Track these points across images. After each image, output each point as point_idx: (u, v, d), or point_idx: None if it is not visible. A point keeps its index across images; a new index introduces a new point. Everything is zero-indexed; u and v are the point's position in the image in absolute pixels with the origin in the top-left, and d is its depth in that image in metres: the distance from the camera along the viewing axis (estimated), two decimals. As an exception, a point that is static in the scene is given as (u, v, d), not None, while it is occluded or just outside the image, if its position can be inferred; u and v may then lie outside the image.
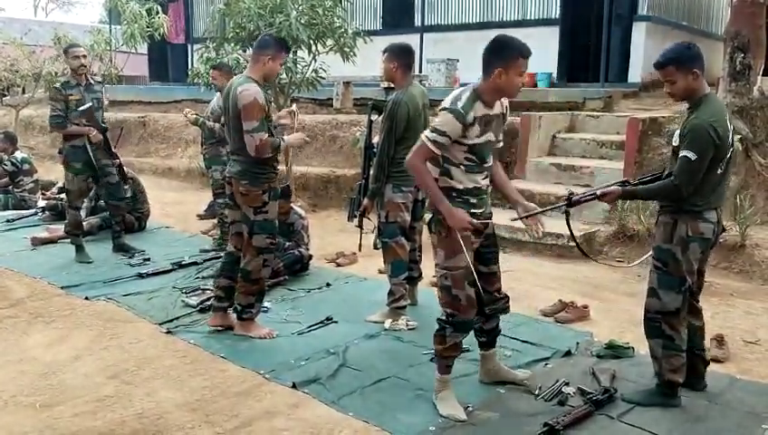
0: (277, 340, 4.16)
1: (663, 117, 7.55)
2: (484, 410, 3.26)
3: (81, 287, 5.15)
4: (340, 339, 4.13)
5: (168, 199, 8.92)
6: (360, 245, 4.95)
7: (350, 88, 9.97)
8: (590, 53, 10.87)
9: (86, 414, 3.21)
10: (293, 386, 3.49)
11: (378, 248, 4.58)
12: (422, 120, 4.32)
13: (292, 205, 5.77)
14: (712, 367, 3.59)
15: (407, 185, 4.31)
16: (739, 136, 5.75)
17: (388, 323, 4.38)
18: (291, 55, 7.00)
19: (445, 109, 3.02)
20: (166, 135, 11.91)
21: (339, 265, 5.93)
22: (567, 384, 3.46)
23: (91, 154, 5.89)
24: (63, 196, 6.84)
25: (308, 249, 5.68)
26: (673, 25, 10.59)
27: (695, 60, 3.11)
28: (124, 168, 6.28)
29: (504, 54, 2.98)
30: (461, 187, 3.10)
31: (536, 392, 3.41)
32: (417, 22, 11.83)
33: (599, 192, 3.29)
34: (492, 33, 3.17)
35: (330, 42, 7.52)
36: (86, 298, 4.90)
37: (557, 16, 10.63)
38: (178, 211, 8.31)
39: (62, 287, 5.15)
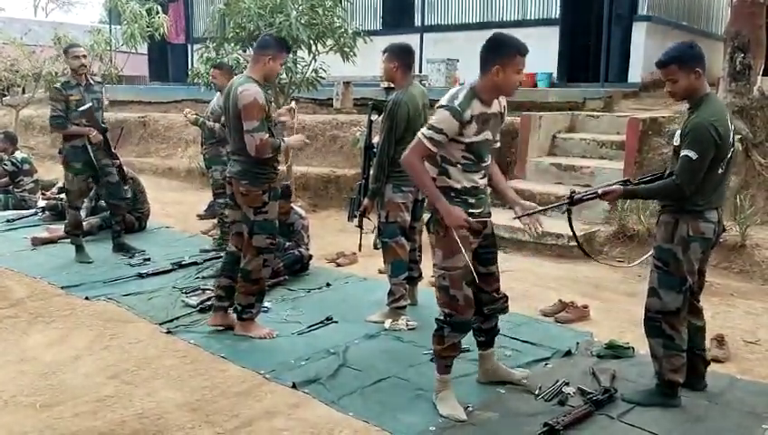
0: (277, 340, 4.16)
1: (663, 117, 7.55)
2: (484, 410, 3.26)
3: (81, 287, 5.16)
4: (341, 339, 4.13)
5: (168, 199, 8.92)
6: (360, 245, 4.95)
7: (350, 88, 9.97)
8: (590, 53, 10.86)
9: (86, 414, 3.21)
10: (294, 386, 3.49)
11: (378, 248, 4.58)
12: (422, 120, 4.30)
13: (292, 205, 5.77)
14: (712, 367, 3.59)
15: (407, 185, 4.31)
16: (739, 136, 5.74)
17: (388, 323, 4.38)
18: (291, 55, 7.00)
19: (441, 106, 3.02)
20: (166, 135, 11.91)
21: (339, 265, 5.93)
22: (567, 384, 3.46)
23: (91, 154, 5.89)
24: (63, 196, 6.84)
25: (308, 249, 5.68)
26: (673, 25, 10.59)
27: (697, 59, 3.11)
28: (124, 168, 6.28)
29: (501, 52, 2.98)
30: (459, 186, 3.10)
31: (536, 392, 3.41)
32: (418, 22, 11.82)
33: (600, 191, 3.29)
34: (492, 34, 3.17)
35: (330, 42, 7.52)
36: (86, 298, 4.90)
37: (557, 16, 10.62)
38: (178, 211, 8.31)
39: (62, 287, 5.15)
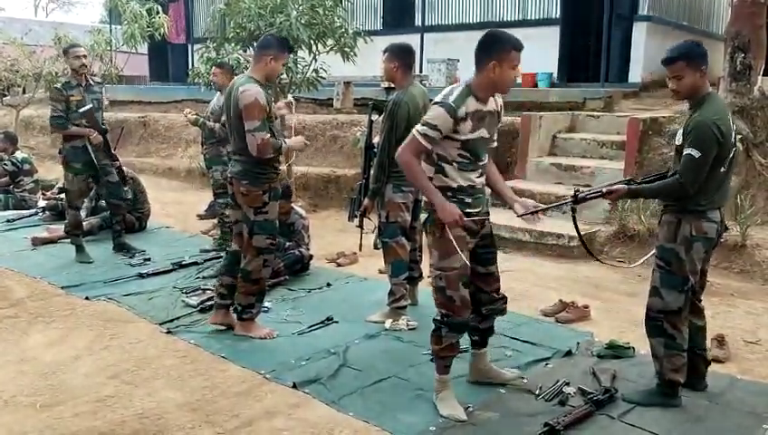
0: (277, 340, 4.15)
1: (663, 117, 7.55)
2: (485, 410, 3.25)
3: (81, 287, 5.15)
4: (341, 339, 4.13)
5: (169, 199, 8.92)
6: (361, 245, 4.95)
7: (350, 88, 9.97)
8: (590, 53, 10.86)
9: (86, 414, 3.21)
10: (294, 386, 3.49)
11: (378, 248, 4.58)
12: (422, 119, 4.31)
13: (292, 205, 5.77)
14: (712, 367, 3.58)
15: (407, 185, 4.31)
16: (740, 136, 5.74)
17: (388, 324, 4.38)
18: (291, 55, 7.00)
19: (436, 103, 3.02)
20: (166, 135, 11.91)
21: (339, 265, 5.92)
22: (567, 384, 3.45)
23: (92, 154, 5.89)
24: (63, 196, 6.84)
25: (308, 249, 5.68)
26: (673, 25, 10.58)
27: (703, 57, 3.13)
28: (124, 169, 6.28)
29: (497, 48, 2.98)
30: (455, 185, 3.09)
31: (536, 392, 3.41)
32: (418, 22, 11.82)
33: (605, 189, 3.29)
34: (493, 34, 3.16)
35: (330, 42, 7.52)
36: (86, 298, 4.90)
37: (557, 16, 10.61)
38: (179, 211, 8.31)
39: (62, 287, 5.14)
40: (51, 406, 3.29)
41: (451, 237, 3.04)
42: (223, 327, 4.28)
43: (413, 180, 3.16)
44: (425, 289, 4.83)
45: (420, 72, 10.17)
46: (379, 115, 4.50)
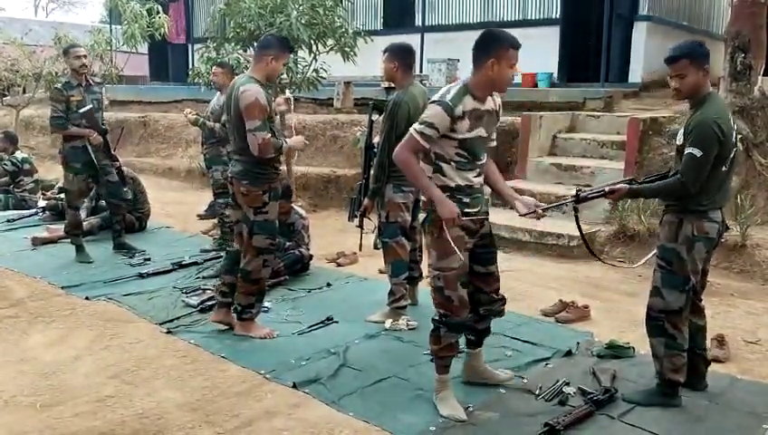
0: (277, 340, 4.15)
1: (663, 117, 7.55)
2: (485, 410, 3.25)
3: (81, 287, 5.15)
4: (341, 339, 4.13)
5: (169, 199, 8.92)
6: (361, 245, 4.95)
7: (350, 88, 9.97)
8: (590, 53, 10.85)
9: (86, 414, 3.21)
10: (294, 386, 3.49)
11: (378, 248, 4.58)
12: (423, 120, 4.31)
13: (292, 205, 5.77)
14: (712, 367, 3.58)
15: (407, 185, 4.30)
16: (740, 136, 5.74)
17: (388, 323, 4.38)
18: (291, 55, 7.00)
19: (433, 102, 3.02)
20: (166, 135, 11.91)
21: (339, 265, 5.92)
22: (567, 384, 3.45)
23: (92, 154, 5.89)
24: (63, 196, 6.84)
25: (308, 249, 5.68)
26: (674, 25, 10.59)
27: (706, 57, 3.14)
28: (123, 169, 6.28)
29: (494, 46, 2.98)
30: (453, 184, 3.09)
31: (536, 392, 3.41)
32: (418, 22, 11.82)
33: (606, 189, 3.29)
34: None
35: (330, 42, 7.52)
36: (86, 298, 4.89)
37: (557, 16, 10.61)
38: (179, 211, 8.31)
39: (62, 287, 5.14)
40: (51, 406, 3.29)
41: (449, 237, 3.04)
42: (223, 327, 4.28)
43: (411, 178, 3.16)
44: (425, 289, 4.82)
45: (420, 71, 10.17)
46: (380, 115, 4.50)
